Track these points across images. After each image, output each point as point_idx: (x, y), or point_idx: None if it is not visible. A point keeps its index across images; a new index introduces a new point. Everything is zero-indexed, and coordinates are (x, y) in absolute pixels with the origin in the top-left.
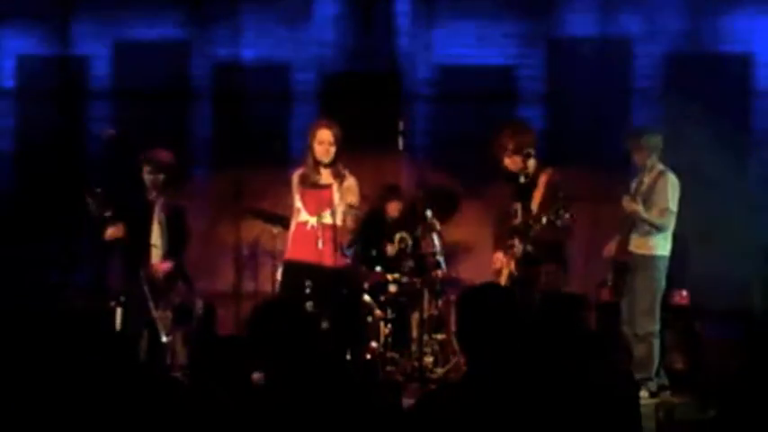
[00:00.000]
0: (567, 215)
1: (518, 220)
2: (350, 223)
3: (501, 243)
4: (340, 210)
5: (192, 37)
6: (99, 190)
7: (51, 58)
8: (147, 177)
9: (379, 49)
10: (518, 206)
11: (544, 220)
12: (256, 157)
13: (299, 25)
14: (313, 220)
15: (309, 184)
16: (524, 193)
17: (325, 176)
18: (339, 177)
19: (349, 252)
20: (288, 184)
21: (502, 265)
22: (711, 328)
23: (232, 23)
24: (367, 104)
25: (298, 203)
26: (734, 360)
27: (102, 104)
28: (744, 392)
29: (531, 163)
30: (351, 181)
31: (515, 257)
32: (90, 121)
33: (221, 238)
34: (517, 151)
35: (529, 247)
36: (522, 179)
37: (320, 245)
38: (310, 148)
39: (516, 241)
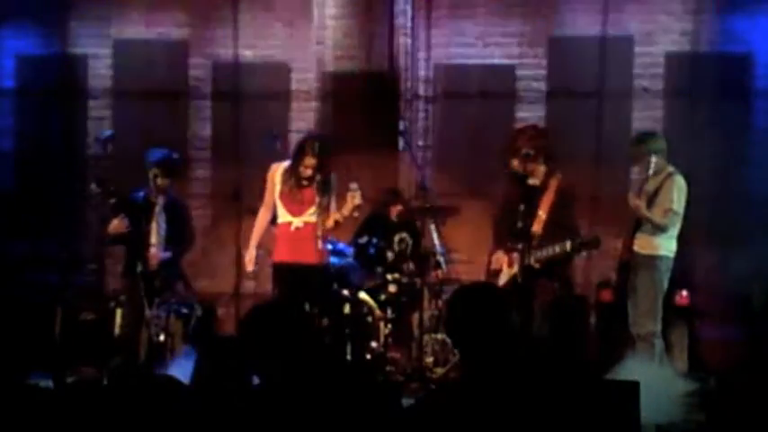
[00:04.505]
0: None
1: (521, 224)
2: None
3: (501, 243)
4: (320, 207)
5: (191, 37)
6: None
7: (51, 58)
8: (154, 180)
9: (379, 49)
10: (522, 207)
11: (569, 246)
12: (256, 156)
13: (299, 25)
14: (297, 222)
15: (290, 183)
16: (531, 197)
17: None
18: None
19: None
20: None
21: (501, 265)
22: (711, 328)
23: (232, 23)
24: (367, 104)
25: (278, 202)
26: (734, 360)
27: (102, 104)
28: (744, 394)
29: (540, 166)
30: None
31: (520, 266)
32: (90, 120)
33: (221, 238)
34: (534, 156)
35: (536, 264)
36: (530, 181)
37: (320, 245)
38: (297, 160)
39: (521, 246)
